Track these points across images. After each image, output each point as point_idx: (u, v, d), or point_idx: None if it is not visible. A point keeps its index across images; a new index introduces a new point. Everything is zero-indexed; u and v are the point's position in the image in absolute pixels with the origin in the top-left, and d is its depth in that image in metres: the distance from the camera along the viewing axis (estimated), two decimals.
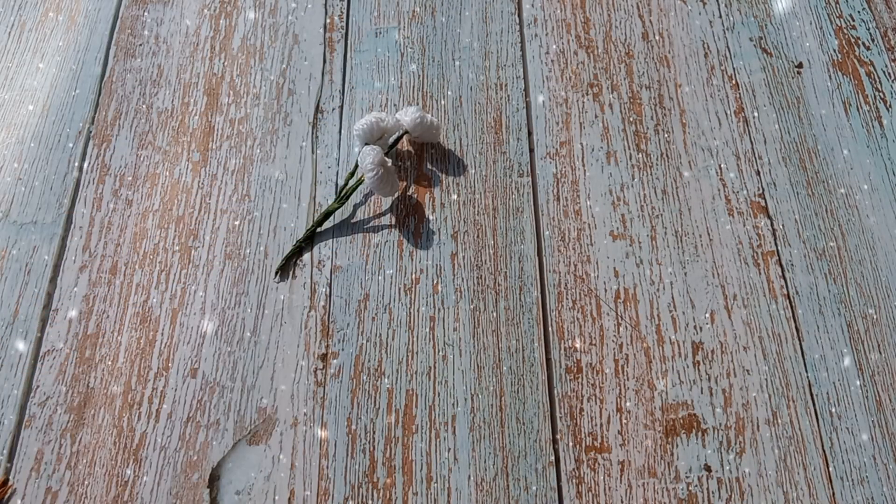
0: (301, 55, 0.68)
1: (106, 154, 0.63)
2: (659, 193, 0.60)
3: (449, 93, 0.65)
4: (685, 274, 0.57)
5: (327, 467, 0.51)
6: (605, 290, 0.56)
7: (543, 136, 0.63)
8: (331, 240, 0.59)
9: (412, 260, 0.58)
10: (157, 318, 0.56)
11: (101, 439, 0.52)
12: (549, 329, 0.55)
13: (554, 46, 0.67)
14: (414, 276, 0.57)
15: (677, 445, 0.51)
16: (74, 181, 0.62)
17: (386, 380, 0.53)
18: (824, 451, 0.51)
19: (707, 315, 0.56)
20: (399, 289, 0.57)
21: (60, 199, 0.61)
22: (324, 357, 0.54)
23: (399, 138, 0.61)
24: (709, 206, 0.60)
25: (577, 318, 0.55)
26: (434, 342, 0.55)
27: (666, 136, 0.63)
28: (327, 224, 0.59)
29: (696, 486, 0.50)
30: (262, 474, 0.50)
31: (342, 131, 0.64)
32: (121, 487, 0.50)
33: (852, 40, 0.68)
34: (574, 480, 0.50)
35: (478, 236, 0.59)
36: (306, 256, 0.58)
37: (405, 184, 0.61)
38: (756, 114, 0.64)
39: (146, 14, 0.70)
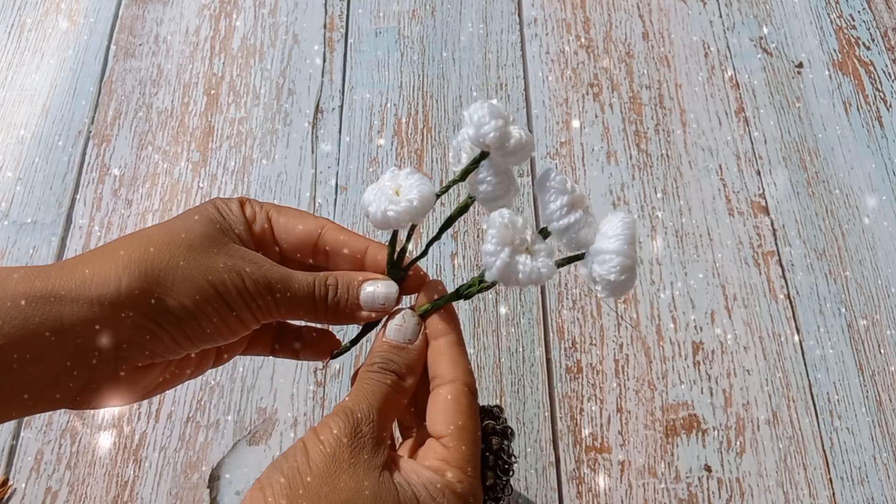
0: (301, 55, 0.68)
1: (106, 154, 0.63)
2: (659, 193, 0.60)
3: (449, 93, 0.65)
4: (685, 274, 0.57)
5: None
6: None
7: (543, 136, 0.63)
8: None
9: None
10: None
11: (101, 439, 0.52)
12: (549, 329, 0.55)
13: (554, 46, 0.67)
14: None
15: (677, 445, 0.51)
16: (74, 181, 0.62)
17: None
18: (824, 451, 0.51)
19: (707, 315, 0.56)
20: None
21: (60, 199, 0.61)
22: None
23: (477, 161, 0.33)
24: (709, 206, 0.60)
25: (577, 318, 0.55)
26: None
27: (666, 136, 0.63)
28: None
29: (697, 486, 0.50)
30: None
31: (342, 131, 0.64)
32: (121, 487, 0.50)
33: (852, 40, 0.68)
34: (574, 481, 0.50)
35: (478, 236, 0.59)
36: None
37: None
38: (756, 114, 0.64)
39: (146, 14, 0.70)
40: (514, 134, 0.31)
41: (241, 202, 0.33)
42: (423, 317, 0.33)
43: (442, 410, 0.31)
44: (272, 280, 0.31)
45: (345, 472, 0.28)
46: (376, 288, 0.33)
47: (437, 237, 0.34)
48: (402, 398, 0.32)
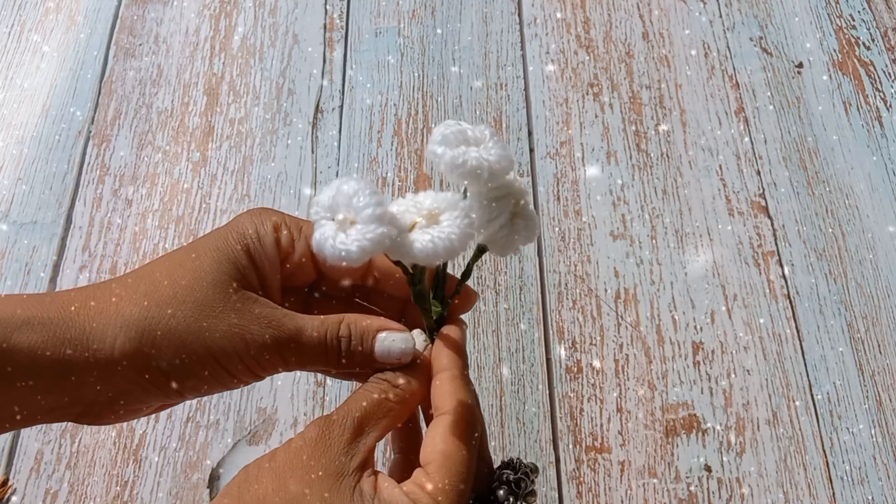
0: (301, 55, 0.68)
1: (106, 154, 0.63)
2: (659, 193, 0.60)
3: (449, 93, 0.65)
4: (685, 274, 0.57)
5: None
6: (606, 290, 0.56)
7: (543, 136, 0.63)
8: None
9: None
10: None
11: (101, 439, 0.52)
12: (549, 329, 0.55)
13: (554, 46, 0.67)
14: None
15: (677, 445, 0.51)
16: (74, 181, 0.62)
17: None
18: (824, 451, 0.51)
19: (707, 315, 0.56)
20: None
21: (60, 199, 0.61)
22: None
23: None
24: (709, 206, 0.60)
25: (577, 318, 0.55)
26: None
27: (666, 136, 0.63)
28: None
29: (697, 486, 0.50)
30: None
31: (342, 131, 0.64)
32: (121, 487, 0.50)
33: (852, 40, 0.68)
34: (574, 481, 0.50)
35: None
36: None
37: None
38: (756, 114, 0.64)
39: (146, 14, 0.70)
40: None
41: (276, 227, 0.31)
42: (439, 322, 0.32)
43: (431, 438, 0.30)
44: (280, 339, 0.30)
45: (297, 472, 0.27)
46: (392, 343, 0.31)
47: (466, 275, 0.33)
48: (396, 408, 0.31)
